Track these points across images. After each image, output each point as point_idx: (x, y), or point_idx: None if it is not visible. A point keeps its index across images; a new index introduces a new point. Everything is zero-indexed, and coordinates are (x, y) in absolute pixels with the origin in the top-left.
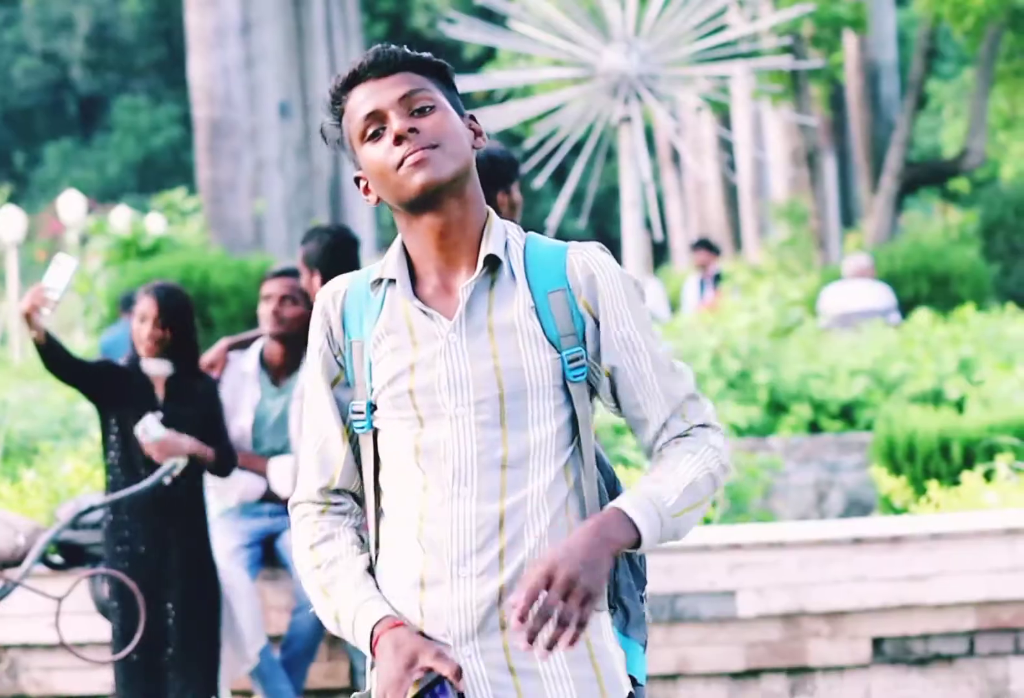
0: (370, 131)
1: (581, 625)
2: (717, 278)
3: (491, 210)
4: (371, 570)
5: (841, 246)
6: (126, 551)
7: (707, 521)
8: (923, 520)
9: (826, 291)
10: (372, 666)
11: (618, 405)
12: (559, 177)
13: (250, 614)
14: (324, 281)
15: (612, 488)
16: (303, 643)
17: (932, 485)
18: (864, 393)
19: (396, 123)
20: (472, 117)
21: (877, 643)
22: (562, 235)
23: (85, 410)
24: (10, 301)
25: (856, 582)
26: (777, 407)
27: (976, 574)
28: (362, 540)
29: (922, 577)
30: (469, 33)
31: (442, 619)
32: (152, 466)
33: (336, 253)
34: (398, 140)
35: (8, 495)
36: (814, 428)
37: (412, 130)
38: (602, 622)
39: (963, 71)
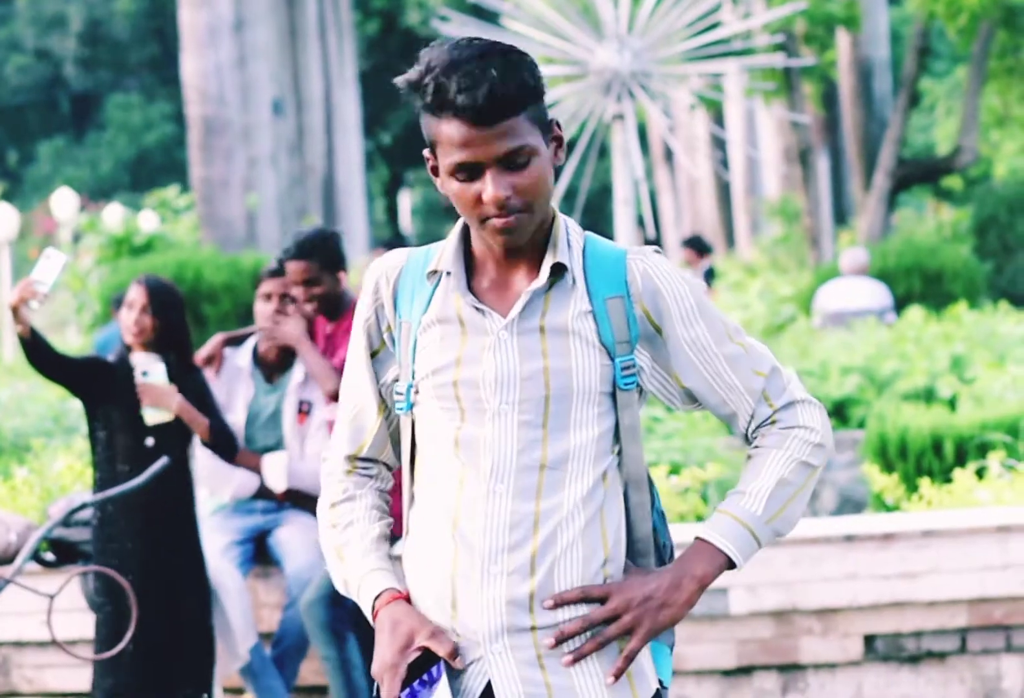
0: (461, 175)
1: (630, 658)
2: (709, 275)
3: (554, 208)
4: (389, 537)
5: (834, 244)
6: (116, 548)
7: (698, 518)
8: (915, 517)
9: (822, 289)
10: None
11: (699, 405)
12: None
13: (241, 611)
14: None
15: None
16: (294, 640)
17: (924, 482)
18: (856, 390)
19: (497, 190)
20: (557, 124)
21: (869, 640)
22: None
23: (77, 407)
24: (1, 299)
25: (848, 579)
26: None
27: (968, 571)
28: (386, 504)
29: (914, 574)
30: (462, 31)
31: (472, 615)
32: (135, 463)
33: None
34: (489, 202)
35: (0, 493)
36: None
37: (507, 197)
38: None
39: (956, 69)
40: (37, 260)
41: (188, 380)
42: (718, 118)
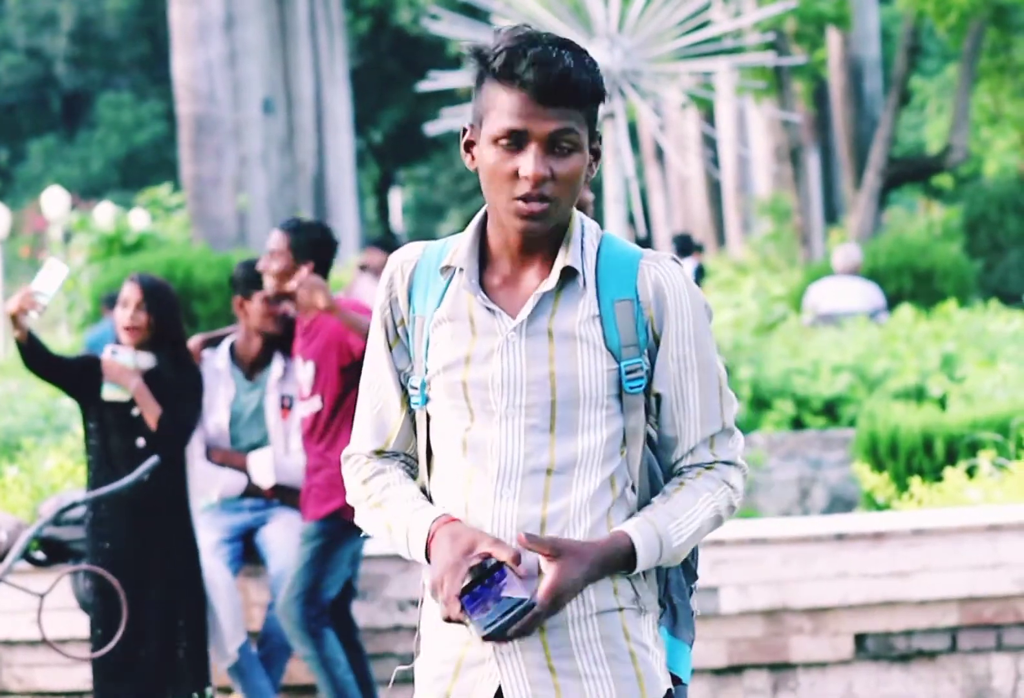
0: (505, 142)
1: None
2: (699, 274)
3: (574, 211)
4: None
5: (824, 242)
6: (108, 547)
7: None
8: (906, 516)
9: (813, 288)
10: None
11: (657, 421)
12: None
13: (230, 610)
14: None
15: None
16: (281, 638)
17: (915, 481)
18: (847, 389)
19: (533, 165)
20: (600, 139)
21: (859, 639)
22: None
23: (67, 406)
24: None
25: (839, 578)
26: (760, 403)
27: (958, 570)
28: (414, 478)
29: (905, 573)
30: (452, 29)
31: None
32: (129, 460)
33: (330, 249)
34: (527, 177)
35: None
36: (797, 424)
37: (546, 178)
38: (643, 621)
39: (946, 67)
40: (28, 259)
41: (179, 378)
42: (709, 117)
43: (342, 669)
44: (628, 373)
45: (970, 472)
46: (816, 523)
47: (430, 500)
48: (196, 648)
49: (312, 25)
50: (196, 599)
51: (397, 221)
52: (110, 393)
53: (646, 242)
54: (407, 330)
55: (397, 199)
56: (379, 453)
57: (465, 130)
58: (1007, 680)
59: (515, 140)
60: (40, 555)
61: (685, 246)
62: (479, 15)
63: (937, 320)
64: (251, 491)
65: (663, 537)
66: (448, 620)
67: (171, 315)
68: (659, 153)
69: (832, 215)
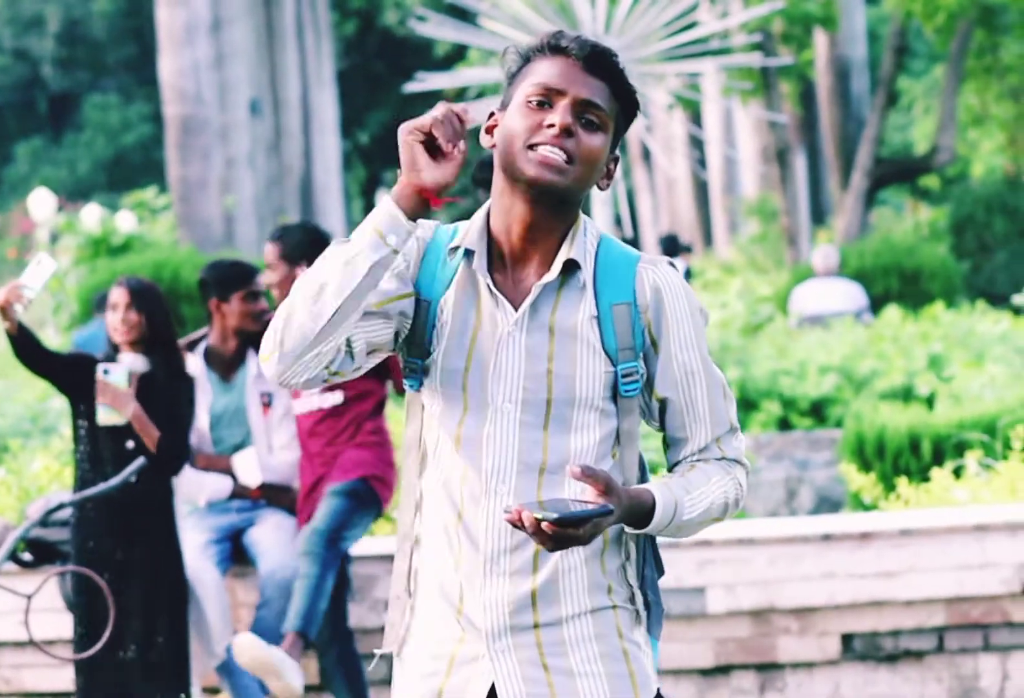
0: (536, 99)
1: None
2: (686, 276)
3: (581, 213)
4: None
5: (811, 243)
6: (94, 548)
7: None
8: (893, 517)
9: (797, 291)
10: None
11: (663, 425)
12: None
13: (218, 610)
14: None
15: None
16: (268, 639)
17: (902, 482)
18: (834, 390)
19: (563, 115)
20: (616, 160)
21: (847, 639)
22: None
23: (55, 407)
24: None
25: (826, 578)
26: (747, 404)
27: (945, 571)
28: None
29: (892, 573)
30: (440, 31)
31: (475, 612)
32: (118, 462)
33: (323, 246)
34: (552, 126)
35: None
36: (784, 425)
37: (571, 133)
38: (635, 620)
39: (933, 68)
40: (15, 260)
41: (171, 386)
42: (696, 117)
43: (325, 602)
44: (624, 376)
45: (957, 472)
46: (803, 523)
47: (420, 492)
48: (178, 649)
49: (299, 27)
50: (178, 600)
51: None
52: (105, 417)
53: (633, 243)
54: (413, 308)
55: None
56: None
57: (492, 114)
58: (994, 680)
59: (548, 97)
60: (27, 556)
61: (672, 247)
62: (466, 16)
63: (924, 321)
64: (237, 493)
65: (678, 506)
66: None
67: (161, 316)
68: (646, 154)
69: (819, 216)
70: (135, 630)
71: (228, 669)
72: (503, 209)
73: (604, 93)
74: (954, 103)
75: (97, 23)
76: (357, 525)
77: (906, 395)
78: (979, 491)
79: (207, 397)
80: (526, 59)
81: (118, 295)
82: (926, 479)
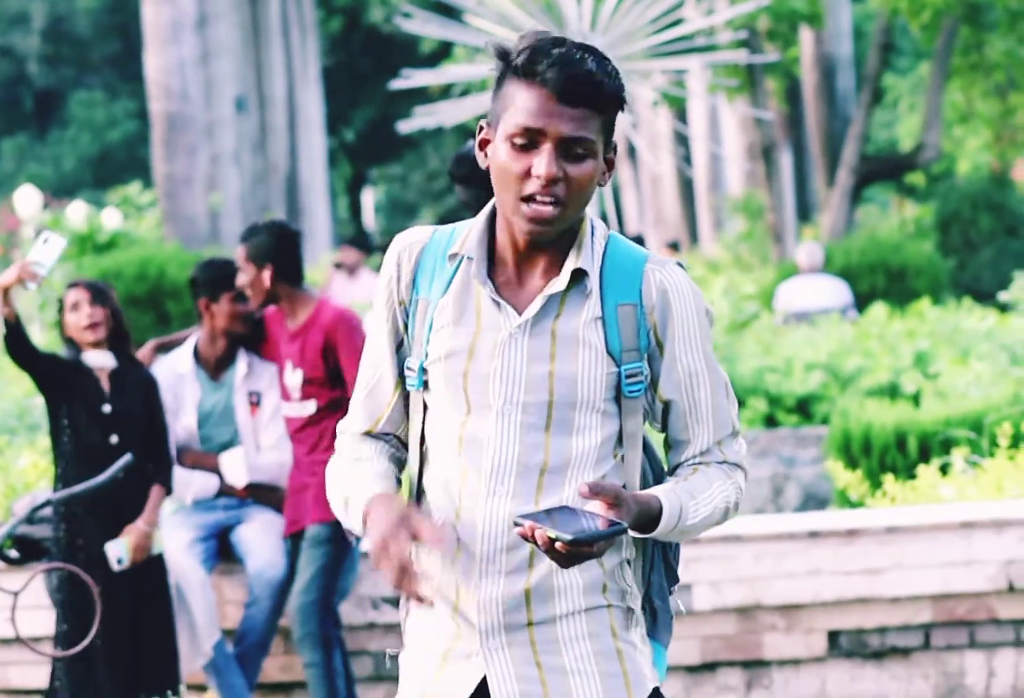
0: (520, 141)
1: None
2: None
3: (586, 212)
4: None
5: (797, 240)
6: (82, 545)
7: None
8: (879, 514)
9: (782, 288)
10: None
11: (665, 427)
12: None
13: (204, 607)
14: (278, 273)
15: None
16: (257, 637)
17: (888, 479)
18: (820, 387)
19: (546, 166)
20: (615, 149)
21: (833, 636)
22: None
23: (41, 404)
24: None
25: (812, 575)
26: None
27: (932, 568)
28: (399, 462)
29: (878, 570)
30: (425, 28)
31: (470, 609)
32: (103, 457)
33: (290, 246)
34: (540, 177)
35: None
36: (770, 422)
37: (558, 179)
38: (630, 619)
39: (919, 65)
40: (3, 257)
41: (138, 377)
42: (681, 114)
43: (342, 680)
44: (628, 377)
45: (943, 469)
46: (789, 520)
47: (421, 490)
48: (165, 647)
49: (284, 24)
50: (163, 598)
51: (370, 220)
52: (125, 463)
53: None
54: (407, 311)
55: (370, 198)
56: (368, 433)
57: (481, 128)
58: (980, 677)
59: (530, 139)
60: (14, 553)
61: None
62: (452, 13)
63: (910, 318)
64: (224, 491)
65: (683, 511)
66: (398, 586)
67: (120, 312)
68: (631, 151)
69: (805, 213)
70: (123, 627)
71: (215, 667)
72: (505, 224)
73: (586, 121)
74: (940, 100)
75: (82, 20)
76: (349, 571)
77: (892, 392)
78: (965, 488)
79: (196, 394)
80: (504, 72)
81: (77, 294)
82: (912, 476)
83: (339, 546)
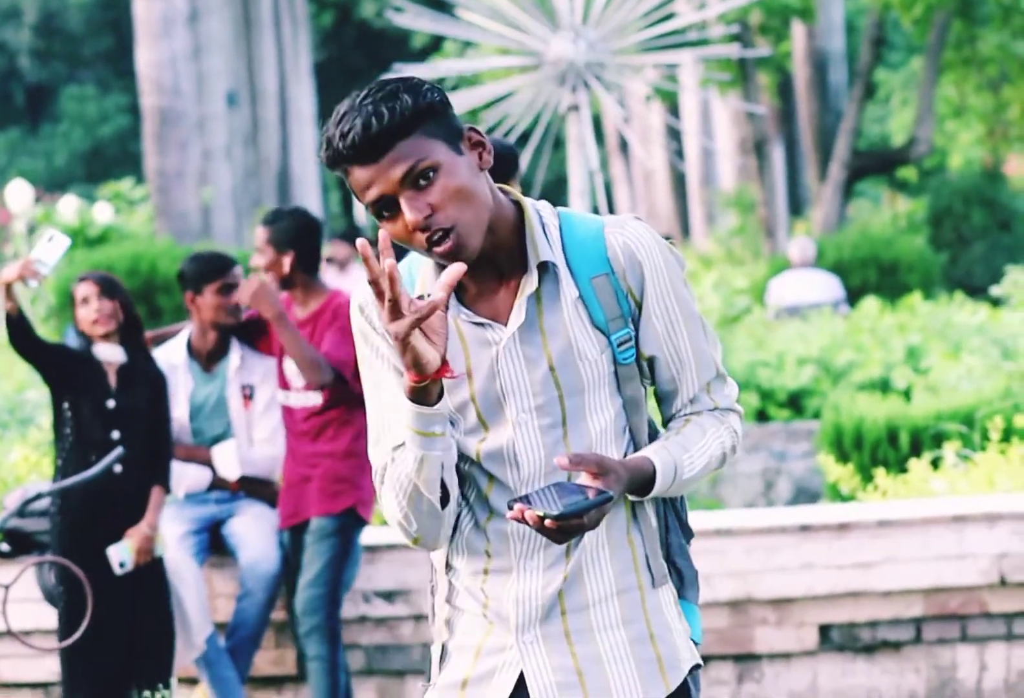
0: (384, 213)
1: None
2: None
3: (522, 201)
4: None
5: (789, 235)
6: (74, 538)
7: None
8: (870, 508)
9: (773, 282)
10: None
11: (654, 381)
12: None
13: (197, 601)
14: (299, 260)
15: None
16: (249, 630)
17: (879, 473)
18: (812, 381)
19: (410, 215)
20: (472, 129)
21: (824, 630)
22: None
23: (32, 399)
24: None
25: (803, 569)
26: None
27: (923, 561)
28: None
29: (869, 564)
30: (416, 22)
31: (506, 605)
32: (103, 452)
33: (312, 233)
34: (416, 229)
35: None
36: (762, 416)
37: (427, 217)
38: (664, 597)
39: (911, 60)
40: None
41: (147, 373)
42: (673, 109)
43: (343, 675)
44: (619, 345)
45: (935, 463)
46: (781, 514)
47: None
48: (161, 641)
49: (276, 19)
50: (161, 593)
51: (361, 214)
52: (118, 455)
53: None
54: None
55: None
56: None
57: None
58: (972, 671)
59: (386, 208)
60: (5, 546)
61: None
62: (443, 7)
63: (902, 312)
64: (216, 484)
65: (677, 467)
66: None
67: (130, 303)
68: (623, 146)
69: (797, 207)
70: (118, 619)
71: (207, 660)
72: None
73: (401, 156)
74: (932, 95)
75: (74, 15)
76: (355, 564)
77: (884, 386)
78: (957, 482)
79: (188, 387)
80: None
81: (86, 289)
82: (904, 470)
83: (346, 538)
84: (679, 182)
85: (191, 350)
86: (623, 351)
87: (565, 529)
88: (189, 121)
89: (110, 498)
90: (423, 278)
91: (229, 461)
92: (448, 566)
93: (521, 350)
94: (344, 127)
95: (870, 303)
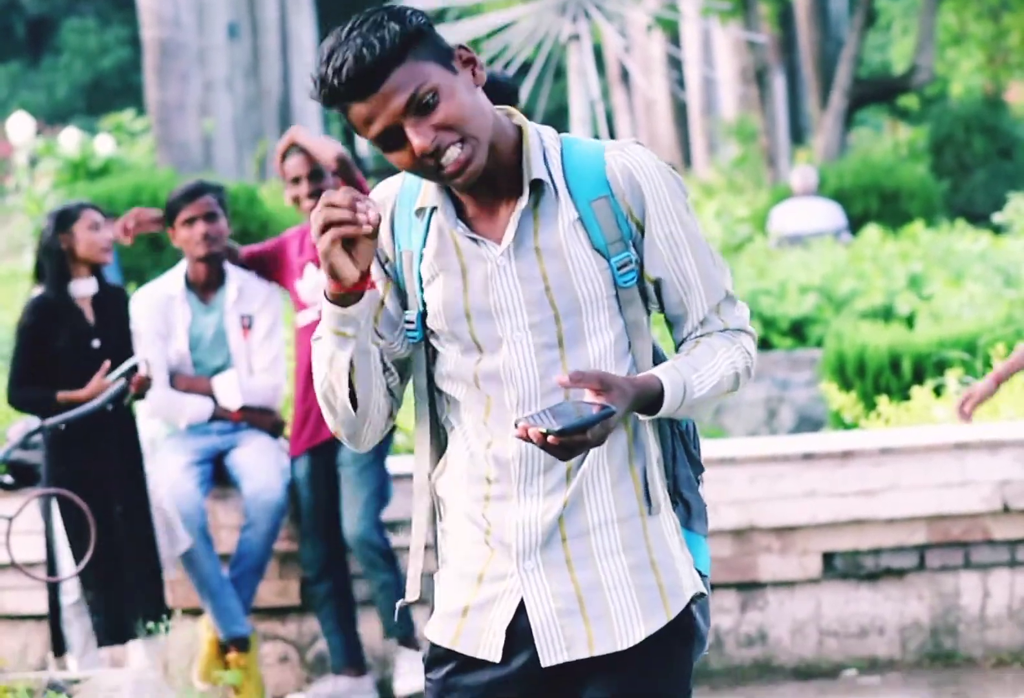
0: (389, 144)
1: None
2: None
3: (524, 123)
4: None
5: (791, 163)
6: (73, 470)
7: None
8: (873, 435)
9: (775, 211)
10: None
11: (662, 306)
12: None
13: (172, 498)
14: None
15: None
16: (253, 560)
17: (882, 400)
18: (814, 310)
19: (417, 141)
20: (462, 47)
21: (827, 558)
22: None
23: None
24: None
25: (806, 497)
26: None
27: (926, 489)
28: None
29: (872, 492)
30: None
31: (507, 532)
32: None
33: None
34: (424, 154)
35: None
36: (764, 345)
37: (434, 140)
38: (666, 525)
39: None
40: None
41: (117, 300)
42: (674, 38)
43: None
44: (620, 268)
45: (937, 391)
46: (784, 442)
47: (444, 433)
48: (150, 571)
49: None
50: (148, 521)
51: (363, 144)
52: (117, 389)
53: None
54: (394, 267)
55: None
56: None
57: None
58: (975, 598)
59: (392, 139)
60: (8, 479)
61: None
62: None
63: (904, 240)
64: (218, 415)
65: (687, 386)
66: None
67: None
68: (624, 75)
69: (798, 136)
70: (118, 546)
71: (210, 591)
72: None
73: (400, 86)
74: (932, 22)
75: None
76: (388, 487)
77: (886, 314)
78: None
79: (186, 318)
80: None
81: (95, 215)
82: (906, 398)
83: (381, 462)
84: (680, 112)
85: (188, 282)
86: (623, 274)
87: (568, 445)
88: (190, 53)
89: (100, 429)
90: (425, 190)
91: (230, 391)
92: (450, 494)
93: (516, 268)
94: (336, 63)
95: (872, 231)
